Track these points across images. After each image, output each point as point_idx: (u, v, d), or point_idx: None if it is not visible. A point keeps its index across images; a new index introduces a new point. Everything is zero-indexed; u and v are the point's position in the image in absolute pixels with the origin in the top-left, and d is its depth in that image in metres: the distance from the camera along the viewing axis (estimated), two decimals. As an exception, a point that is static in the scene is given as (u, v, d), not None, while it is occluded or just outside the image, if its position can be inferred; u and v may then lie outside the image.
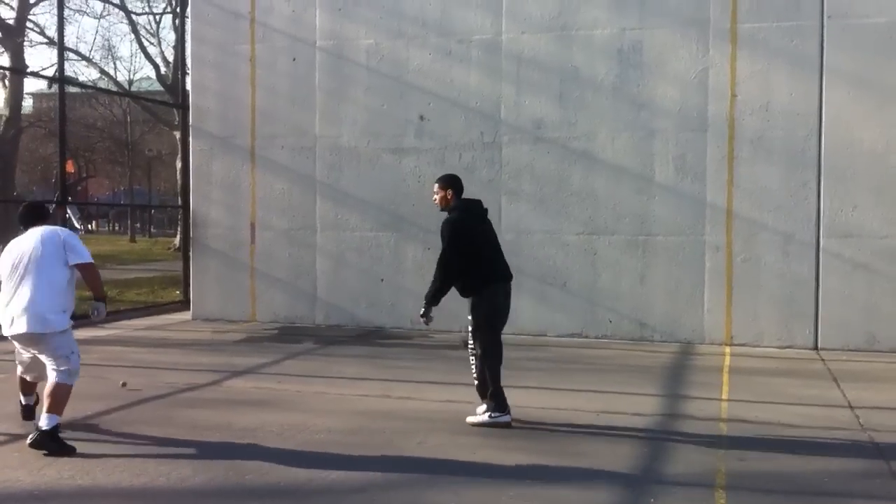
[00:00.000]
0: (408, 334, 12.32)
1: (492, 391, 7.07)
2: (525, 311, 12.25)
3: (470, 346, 7.20)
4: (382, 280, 12.97)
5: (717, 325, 11.49)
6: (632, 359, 10.46)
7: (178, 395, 8.21)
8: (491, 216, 12.02)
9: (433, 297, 7.09)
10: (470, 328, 7.17)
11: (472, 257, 7.11)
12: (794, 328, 11.21)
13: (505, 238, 12.17)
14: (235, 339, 11.91)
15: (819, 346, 11.08)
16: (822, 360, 10.35)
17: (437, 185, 7.39)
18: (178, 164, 29.56)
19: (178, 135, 29.39)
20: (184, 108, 16.17)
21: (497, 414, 7.03)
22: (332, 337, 12.12)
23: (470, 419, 7.10)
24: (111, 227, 63.57)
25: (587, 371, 9.69)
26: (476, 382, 7.20)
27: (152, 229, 57.00)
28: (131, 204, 47.29)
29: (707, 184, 11.55)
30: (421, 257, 12.72)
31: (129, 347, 11.23)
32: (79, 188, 47.92)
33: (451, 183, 7.38)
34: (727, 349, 11.10)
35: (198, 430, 6.84)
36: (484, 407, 7.13)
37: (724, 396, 8.24)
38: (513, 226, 12.32)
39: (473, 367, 7.18)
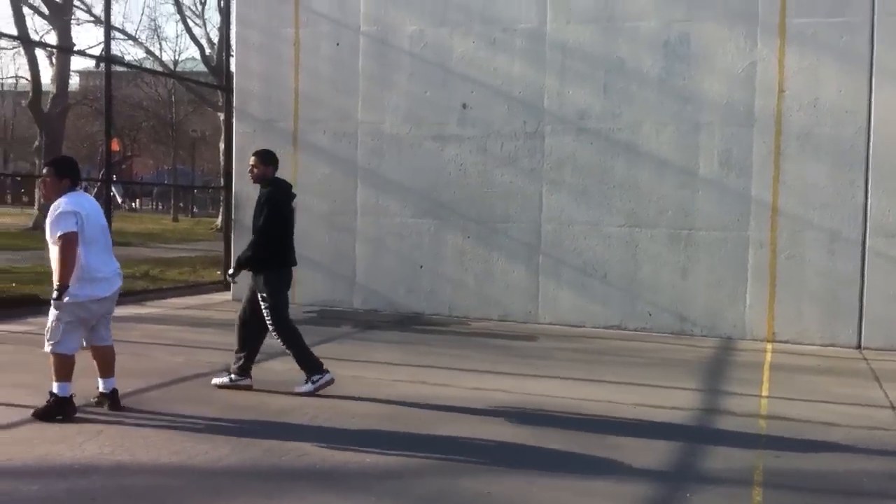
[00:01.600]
0: (445, 321, 12.33)
1: (299, 357, 7.51)
2: (564, 302, 12.23)
3: (269, 324, 7.57)
4: (421, 267, 12.98)
5: (758, 321, 11.37)
6: (671, 352, 10.39)
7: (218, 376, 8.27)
8: (532, 206, 12.30)
9: (246, 261, 7.53)
10: (263, 301, 7.53)
11: (280, 234, 7.56)
12: (837, 327, 11.07)
13: (546, 228, 12.24)
14: (274, 321, 11.96)
15: (862, 345, 10.93)
16: (865, 359, 10.21)
17: (256, 159, 7.71)
18: (222, 146, 29.77)
19: (221, 116, 29.57)
20: (228, 90, 16.25)
21: (318, 376, 7.48)
22: (370, 321, 12.17)
23: (299, 389, 7.46)
24: (154, 206, 64.23)
25: (625, 363, 9.64)
26: (290, 354, 7.61)
27: (195, 209, 57.50)
28: (174, 184, 47.67)
29: (752, 179, 11.42)
30: (461, 245, 12.72)
31: (169, 326, 11.35)
32: (123, 166, 48.49)
33: (271, 160, 7.79)
34: (769, 346, 10.98)
35: (235, 410, 6.90)
36: (304, 377, 7.54)
37: (765, 393, 8.17)
38: (554, 216, 12.27)
39: (282, 343, 7.62)
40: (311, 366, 7.53)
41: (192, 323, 11.69)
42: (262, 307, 7.53)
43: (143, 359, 8.88)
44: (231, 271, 7.71)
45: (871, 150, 10.99)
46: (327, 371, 7.55)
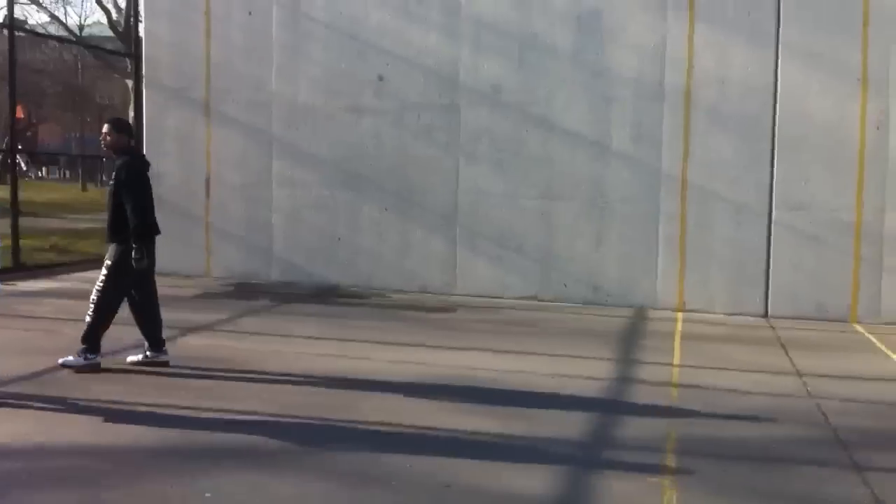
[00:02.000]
0: (364, 293, 12.36)
1: (91, 334, 7.42)
2: (482, 273, 12.37)
3: (98, 287, 7.44)
4: (339, 239, 12.95)
5: (669, 291, 11.68)
6: (585, 322, 10.62)
7: (131, 352, 8.16)
8: (448, 178, 12.39)
9: (143, 237, 7.27)
10: (112, 267, 7.38)
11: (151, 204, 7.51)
12: (744, 296, 11.44)
13: (462, 200, 12.33)
14: (190, 294, 11.85)
15: (769, 313, 11.32)
16: (772, 327, 10.59)
17: (109, 127, 7.59)
18: (131, 113, 29.04)
19: (130, 83, 28.83)
20: (136, 57, 15.87)
21: (92, 356, 7.40)
22: (288, 294, 12.12)
23: (64, 361, 7.36)
24: (61, 175, 62.40)
25: (541, 334, 9.82)
26: (88, 323, 7.45)
27: (103, 178, 56.02)
28: (81, 154, 46.34)
29: (663, 152, 11.67)
30: (378, 217, 12.73)
31: (80, 300, 11.06)
32: (28, 134, 46.93)
33: (126, 128, 7.75)
34: (679, 315, 11.31)
35: (154, 389, 6.85)
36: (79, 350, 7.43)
37: (676, 362, 8.43)
38: (471, 188, 12.37)
39: (92, 307, 7.44)
40: (96, 344, 7.46)
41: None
42: (105, 269, 7.39)
43: (55, 336, 8.71)
44: (135, 255, 7.23)
45: (777, 125, 11.32)
46: (101, 355, 7.51)
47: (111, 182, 7.42)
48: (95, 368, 7.36)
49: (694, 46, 11.56)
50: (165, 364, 7.56)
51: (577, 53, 11.94)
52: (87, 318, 7.42)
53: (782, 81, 11.29)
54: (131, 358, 7.64)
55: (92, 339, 7.42)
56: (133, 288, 7.56)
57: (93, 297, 7.46)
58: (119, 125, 7.66)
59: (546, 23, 12.03)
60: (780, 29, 11.28)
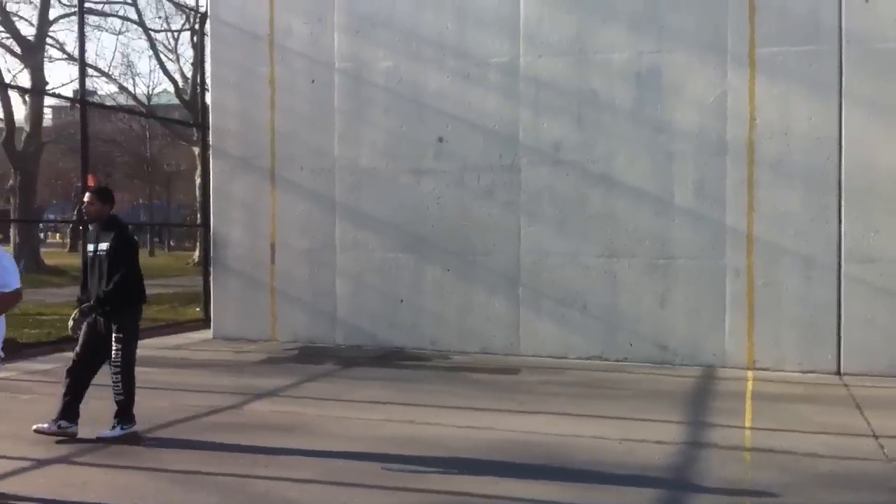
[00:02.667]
0: (427, 355, 12.35)
1: (127, 403, 7.44)
2: (545, 334, 12.29)
3: (115, 363, 7.39)
4: (402, 301, 13.00)
5: (738, 348, 11.47)
6: (653, 383, 10.45)
7: (201, 419, 8.27)
8: (510, 238, 12.41)
9: (115, 299, 7.35)
10: (121, 341, 7.38)
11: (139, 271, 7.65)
12: (816, 353, 11.17)
13: (524, 260, 12.32)
14: (256, 359, 11.97)
15: (842, 371, 11.03)
16: (845, 385, 10.31)
17: (93, 196, 7.64)
18: (198, 180, 29.71)
19: (196, 150, 29.55)
20: (203, 126, 16.26)
21: (128, 425, 7.43)
22: (352, 358, 12.16)
23: (103, 434, 7.35)
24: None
25: (608, 396, 9.69)
26: (121, 397, 7.41)
27: (171, 243, 57.26)
28: (151, 222, 47.51)
29: (727, 207, 11.54)
30: (441, 278, 12.77)
31: (151, 368, 11.24)
32: (97, 202, 48.11)
33: (109, 197, 7.76)
34: (749, 373, 11.08)
35: (220, 456, 6.89)
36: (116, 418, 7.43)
37: (748, 424, 8.23)
38: (532, 248, 12.35)
39: (119, 383, 7.40)
40: (131, 414, 7.48)
41: (172, 364, 11.63)
42: (117, 346, 7.36)
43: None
44: (93, 305, 7.31)
45: (843, 175, 11.14)
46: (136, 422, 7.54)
47: (99, 250, 7.41)
48: (132, 439, 7.37)
49: (755, 99, 11.48)
50: (74, 436, 7.35)
51: (638, 110, 11.93)
52: (119, 396, 7.41)
53: (847, 132, 11.14)
54: (38, 426, 7.38)
55: (129, 411, 7.47)
56: (91, 349, 7.48)
57: (116, 374, 7.39)
58: (103, 195, 7.72)
59: (605, 80, 12.06)
60: (843, 79, 11.15)
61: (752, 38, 11.49)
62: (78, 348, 7.54)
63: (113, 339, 7.39)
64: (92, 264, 7.50)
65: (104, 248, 7.42)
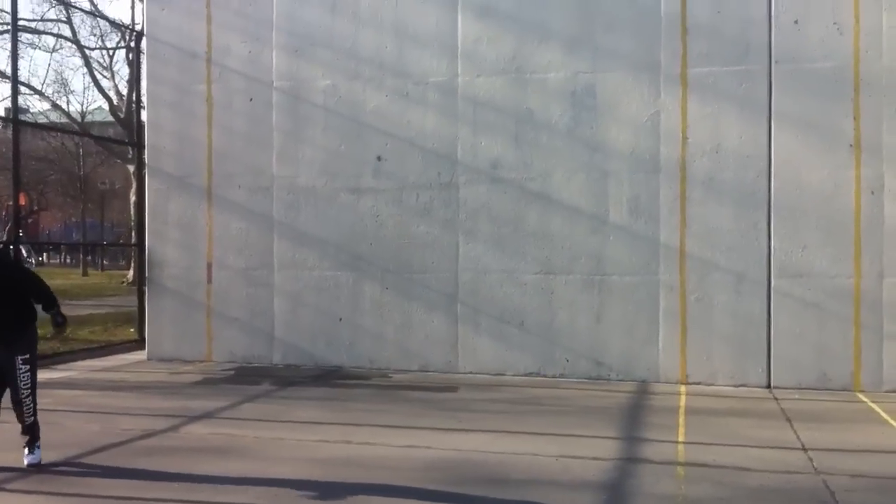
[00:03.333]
0: (366, 374, 12.33)
1: (37, 424, 7.33)
2: (483, 351, 12.35)
3: (24, 386, 7.21)
4: (340, 319, 12.97)
5: (672, 363, 11.65)
6: (589, 399, 10.56)
7: (135, 443, 8.14)
8: (448, 255, 12.47)
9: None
10: (25, 362, 7.22)
11: None
12: (747, 367, 11.40)
13: (463, 277, 12.37)
14: (192, 380, 11.83)
15: (772, 384, 11.27)
16: (776, 398, 10.53)
17: None
18: (133, 198, 29.32)
19: (131, 168, 29.18)
20: (139, 145, 16.07)
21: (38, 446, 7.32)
22: (290, 378, 12.09)
23: (31, 460, 7.21)
24: (63, 260, 62.68)
25: (545, 413, 9.77)
26: (31, 420, 7.28)
27: (105, 262, 56.30)
28: (84, 242, 46.69)
29: (660, 224, 11.74)
30: (379, 296, 12.77)
31: (84, 391, 11.09)
32: (30, 220, 47.28)
33: None
34: (682, 388, 11.26)
35: (156, 481, 6.79)
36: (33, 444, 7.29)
37: (681, 439, 8.36)
38: (471, 265, 12.42)
39: (30, 405, 7.26)
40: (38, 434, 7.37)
41: (106, 387, 11.43)
42: (26, 367, 7.19)
43: (57, 428, 8.66)
44: (60, 320, 7.42)
45: (773, 193, 11.41)
46: None
47: None
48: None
49: (688, 118, 11.72)
50: None
51: (573, 128, 12.10)
52: (31, 418, 7.25)
53: (776, 150, 11.42)
54: (32, 459, 7.26)
55: (37, 431, 7.34)
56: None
57: (26, 395, 7.20)
58: None
59: (541, 99, 12.21)
60: (772, 99, 11.44)
61: (685, 58, 11.74)
62: None
63: (19, 360, 7.23)
64: None
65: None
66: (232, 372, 12.58)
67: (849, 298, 11.11)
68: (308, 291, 13.16)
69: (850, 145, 11.19)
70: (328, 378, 12.07)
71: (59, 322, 7.47)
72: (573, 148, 12.10)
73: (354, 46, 12.94)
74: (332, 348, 12.99)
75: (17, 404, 7.24)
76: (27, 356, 7.26)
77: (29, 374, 7.26)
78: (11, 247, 13.15)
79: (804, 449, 7.90)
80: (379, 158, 12.84)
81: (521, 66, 12.30)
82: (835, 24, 11.28)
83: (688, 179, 11.68)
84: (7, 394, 7.26)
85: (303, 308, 13.16)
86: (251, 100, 13.41)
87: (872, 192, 11.12)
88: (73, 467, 7.26)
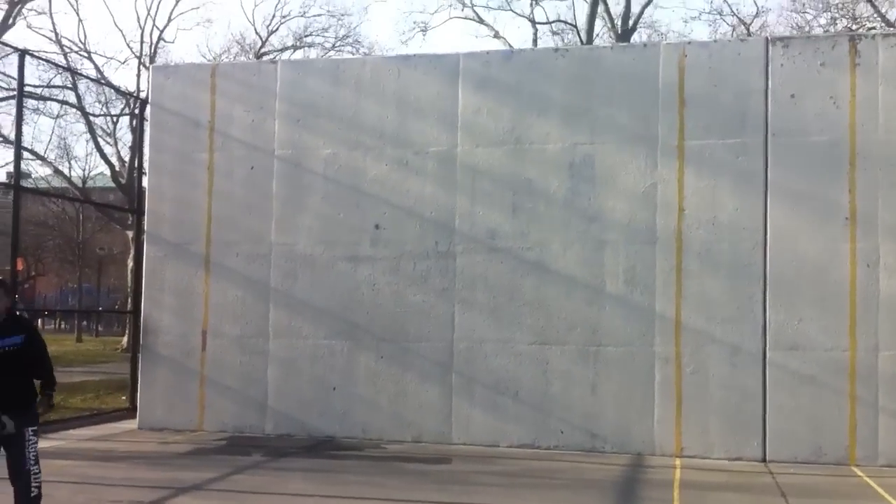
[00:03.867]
0: (359, 444, 12.20)
1: (39, 497, 6.99)
2: (478, 421, 12.25)
3: (32, 457, 6.92)
4: (334, 388, 12.87)
5: (667, 436, 11.54)
6: (583, 472, 10.45)
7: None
8: (444, 324, 12.45)
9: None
10: (34, 433, 6.97)
11: None
12: (742, 440, 11.30)
13: (458, 347, 12.34)
14: (182, 450, 11.69)
15: (767, 458, 11.16)
16: (771, 472, 10.42)
17: (1, 291, 7.13)
18: (130, 264, 29.36)
19: (130, 234, 29.28)
20: (139, 211, 16.12)
21: None
22: (282, 448, 11.95)
23: None
24: (57, 325, 62.46)
25: (539, 486, 9.65)
26: (37, 492, 6.95)
27: (100, 328, 56.08)
28: (79, 308, 46.67)
29: (656, 295, 11.75)
30: (374, 365, 12.70)
31: (72, 461, 10.93)
32: (26, 286, 47.28)
33: (12, 291, 7.54)
34: (678, 461, 11.13)
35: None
36: None
37: (676, 514, 8.26)
38: (466, 335, 12.38)
39: (38, 475, 6.95)
40: None
41: (95, 457, 11.27)
42: (35, 440, 6.97)
43: (45, 500, 8.51)
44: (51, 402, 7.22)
45: (769, 265, 11.44)
46: None
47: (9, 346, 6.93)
48: None
49: (684, 190, 11.81)
50: None
51: (571, 199, 12.17)
52: (37, 491, 6.95)
53: (772, 222, 11.49)
54: None
55: None
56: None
57: (33, 463, 6.91)
58: (6, 287, 7.26)
59: (540, 170, 12.31)
60: (769, 171, 11.54)
61: (682, 129, 11.87)
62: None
63: (29, 432, 7.09)
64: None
65: (15, 343, 7.13)
66: (223, 442, 12.45)
67: (844, 372, 11.07)
68: (302, 360, 13.09)
69: (846, 218, 11.26)
70: (320, 448, 11.94)
71: (52, 404, 7.27)
72: (570, 218, 12.16)
73: (356, 116, 13.08)
74: (325, 418, 12.87)
75: (23, 476, 7.01)
76: (35, 428, 7.11)
77: (36, 445, 7.12)
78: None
79: (800, 525, 7.80)
80: (377, 227, 12.89)
81: (520, 137, 12.43)
82: (831, 97, 11.44)
83: (684, 250, 11.72)
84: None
85: (296, 377, 13.08)
86: (252, 168, 13.49)
87: (868, 265, 11.15)
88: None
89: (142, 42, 34.75)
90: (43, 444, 11.85)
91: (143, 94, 19.24)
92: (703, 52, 12.01)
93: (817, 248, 11.32)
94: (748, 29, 32.35)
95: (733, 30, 33.05)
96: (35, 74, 33.99)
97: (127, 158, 33.06)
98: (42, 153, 33.31)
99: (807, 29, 29.79)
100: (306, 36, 39.26)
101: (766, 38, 12.68)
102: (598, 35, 32.91)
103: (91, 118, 32.66)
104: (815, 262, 11.32)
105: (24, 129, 29.63)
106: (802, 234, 11.38)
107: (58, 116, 32.84)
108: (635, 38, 33.00)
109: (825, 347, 11.15)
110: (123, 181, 32.72)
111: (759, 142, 11.63)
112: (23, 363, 7.03)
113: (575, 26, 33.70)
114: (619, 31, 32.49)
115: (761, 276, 11.47)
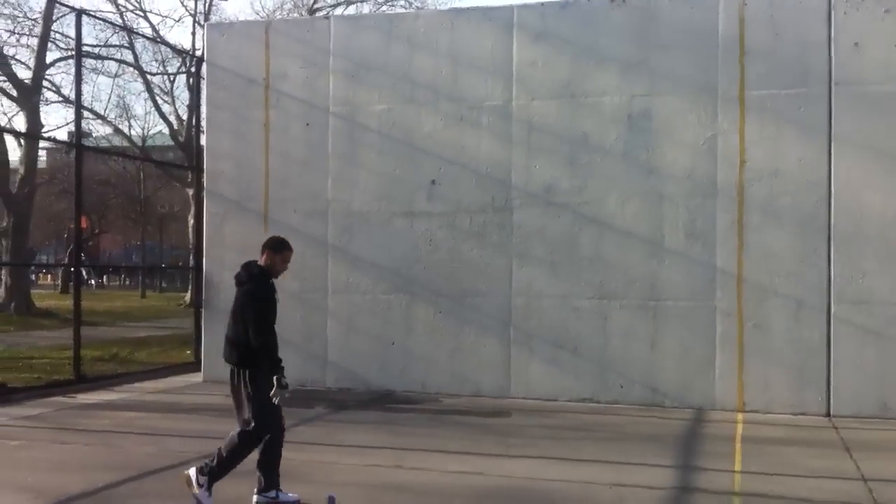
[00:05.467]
0: (418, 398, 12.31)
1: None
2: (536, 376, 12.27)
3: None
4: (393, 343, 12.98)
5: (728, 391, 11.46)
6: (643, 426, 10.42)
7: (188, 466, 8.19)
8: (502, 280, 12.45)
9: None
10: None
11: None
12: (805, 395, 11.17)
13: (516, 302, 12.34)
14: (246, 403, 11.88)
15: (831, 413, 11.02)
16: (835, 427, 10.29)
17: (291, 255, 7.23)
18: (191, 221, 29.79)
19: (190, 191, 29.65)
20: (198, 169, 16.31)
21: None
22: (343, 401, 12.11)
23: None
24: (122, 282, 63.81)
25: (599, 439, 9.66)
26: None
27: (163, 284, 57.18)
28: (143, 265, 47.60)
29: (717, 249, 11.60)
30: (432, 320, 12.76)
31: (139, 413, 11.22)
32: (90, 243, 48.28)
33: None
34: (739, 416, 11.05)
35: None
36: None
37: (737, 468, 8.20)
38: (524, 289, 12.37)
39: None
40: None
41: (162, 409, 11.55)
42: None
43: (114, 450, 8.78)
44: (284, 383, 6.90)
45: (833, 218, 11.22)
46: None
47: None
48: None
49: (745, 142, 11.58)
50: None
51: (628, 152, 12.02)
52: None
53: (836, 174, 11.23)
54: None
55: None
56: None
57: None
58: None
59: (596, 123, 12.16)
60: (832, 122, 11.27)
61: (743, 80, 11.62)
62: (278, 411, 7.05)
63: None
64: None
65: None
66: (286, 395, 12.60)
67: (911, 326, 10.85)
68: (361, 315, 13.20)
69: (913, 170, 10.97)
70: (380, 402, 12.08)
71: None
72: (628, 172, 12.02)
73: (410, 71, 13.02)
74: (385, 372, 13.00)
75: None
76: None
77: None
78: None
79: (864, 479, 7.71)
80: (433, 182, 12.88)
81: (577, 90, 12.28)
82: (895, 45, 11.10)
83: (745, 204, 11.53)
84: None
85: (356, 332, 13.20)
86: (308, 125, 13.55)
87: (936, 218, 10.87)
88: (130, 490, 7.33)
89: (196, 0, 34.92)
90: (111, 396, 12.29)
91: (198, 53, 19.32)
92: (763, 1, 11.70)
93: (883, 200, 11.07)
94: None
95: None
96: (92, 34, 34.40)
97: (185, 117, 33.42)
98: (102, 112, 33.83)
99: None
100: (359, -10, 39.06)
101: (830, -14, 12.30)
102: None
103: (148, 77, 33.03)
104: (881, 215, 11.07)
105: (84, 88, 30.15)
106: (867, 187, 11.12)
107: (116, 76, 33.28)
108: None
109: (891, 301, 10.93)
110: (182, 139, 33.11)
111: (822, 92, 11.34)
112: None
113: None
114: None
115: (825, 229, 11.25)
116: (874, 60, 11.17)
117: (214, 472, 6.74)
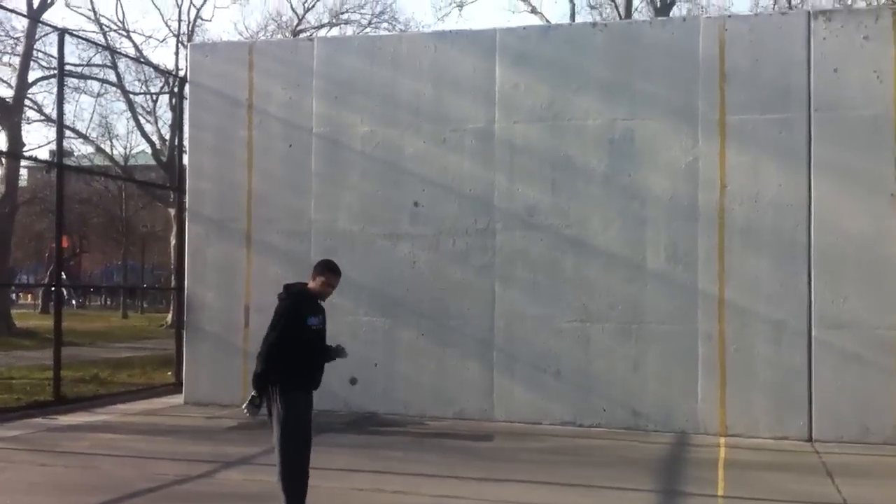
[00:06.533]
0: (401, 421, 12.26)
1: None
2: (519, 398, 12.25)
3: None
4: (376, 365, 12.93)
5: (711, 414, 11.47)
6: (626, 450, 10.41)
7: (170, 489, 8.15)
8: (484, 301, 12.44)
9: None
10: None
11: None
12: (788, 419, 11.19)
13: (499, 324, 12.34)
14: (228, 425, 11.83)
15: (813, 437, 11.04)
16: (817, 452, 10.32)
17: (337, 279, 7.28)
18: (173, 241, 29.63)
19: (172, 211, 29.52)
20: (180, 189, 16.26)
21: None
22: (324, 423, 12.00)
23: None
24: (103, 302, 63.34)
25: (582, 464, 9.65)
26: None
27: (144, 304, 56.81)
28: (124, 285, 47.36)
29: (699, 272, 11.64)
30: (415, 342, 12.74)
31: (119, 434, 11.13)
32: (72, 263, 47.97)
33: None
34: (722, 440, 11.06)
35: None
36: None
37: (721, 493, 8.20)
38: (506, 312, 12.37)
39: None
40: None
41: (142, 431, 11.45)
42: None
43: (93, 472, 8.70)
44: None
45: (813, 242, 11.29)
46: None
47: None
48: None
49: (726, 166, 11.66)
50: None
51: (611, 175, 12.08)
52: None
53: (816, 198, 11.32)
54: None
55: None
56: None
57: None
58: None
59: (579, 146, 12.22)
60: (812, 146, 11.37)
61: (723, 104, 11.71)
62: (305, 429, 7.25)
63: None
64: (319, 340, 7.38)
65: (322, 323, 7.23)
66: (266, 417, 12.52)
67: (891, 350, 10.91)
68: (344, 336, 13.03)
69: (892, 194, 11.07)
70: (363, 424, 12.02)
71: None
72: (610, 195, 12.07)
73: (393, 93, 13.05)
74: (367, 394, 12.92)
75: None
76: None
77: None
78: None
79: (846, 504, 7.74)
80: (416, 204, 12.88)
81: (559, 113, 12.34)
82: (874, 71, 11.23)
83: (726, 227, 11.59)
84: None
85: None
86: (291, 146, 13.54)
87: (915, 242, 10.95)
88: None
89: (179, 20, 35.01)
90: (91, 417, 12.20)
91: (181, 73, 19.32)
92: (743, 25, 11.83)
93: (862, 224, 11.15)
94: (789, 2, 31.78)
95: (774, 2, 32.49)
96: (75, 53, 34.36)
97: (167, 136, 33.33)
98: (84, 131, 33.68)
99: (849, 2, 29.18)
100: (342, 13, 39.19)
101: (808, 12, 12.41)
102: (636, 10, 32.47)
103: (131, 96, 32.95)
104: (861, 239, 11.15)
105: (66, 107, 29.94)
106: (847, 211, 11.21)
107: (98, 95, 33.17)
108: (674, 11, 32.55)
109: (871, 325, 11.00)
110: (164, 159, 32.99)
111: (802, 117, 11.45)
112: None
113: (613, 1, 33.27)
114: (658, 6, 32.04)
115: (806, 253, 11.32)
116: (853, 86, 11.28)
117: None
